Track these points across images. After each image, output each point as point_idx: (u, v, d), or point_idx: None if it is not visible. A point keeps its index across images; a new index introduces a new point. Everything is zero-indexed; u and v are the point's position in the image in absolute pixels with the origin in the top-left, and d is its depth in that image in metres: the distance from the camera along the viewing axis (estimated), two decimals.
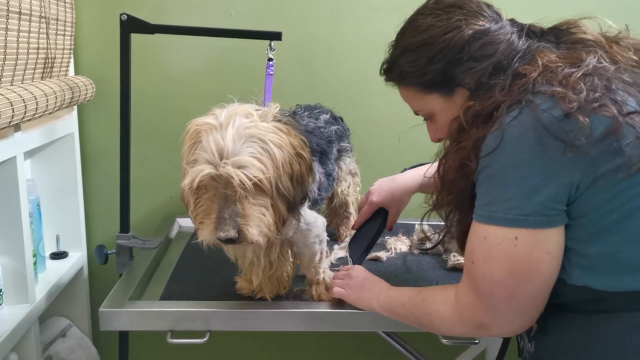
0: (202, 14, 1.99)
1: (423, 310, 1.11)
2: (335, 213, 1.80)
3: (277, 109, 1.19)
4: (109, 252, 1.71)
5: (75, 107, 1.92)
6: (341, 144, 1.66)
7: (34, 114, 1.41)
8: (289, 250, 1.36)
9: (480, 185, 0.98)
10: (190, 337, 1.31)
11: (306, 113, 1.58)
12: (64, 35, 1.74)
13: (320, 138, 1.44)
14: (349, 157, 1.73)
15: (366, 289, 1.27)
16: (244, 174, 1.06)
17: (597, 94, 0.91)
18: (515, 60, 1.03)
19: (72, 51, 1.83)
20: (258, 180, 1.08)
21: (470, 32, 1.04)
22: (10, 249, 1.49)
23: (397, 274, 1.55)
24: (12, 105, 1.27)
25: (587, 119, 0.88)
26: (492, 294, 0.97)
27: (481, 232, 0.98)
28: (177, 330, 1.30)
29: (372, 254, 1.68)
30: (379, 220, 1.53)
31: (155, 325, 1.30)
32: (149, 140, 2.04)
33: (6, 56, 1.35)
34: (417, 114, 1.21)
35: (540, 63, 0.99)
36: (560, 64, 0.98)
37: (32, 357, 1.56)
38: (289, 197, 1.15)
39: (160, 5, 1.97)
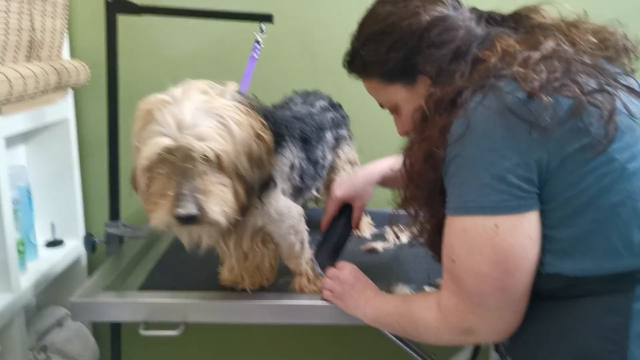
0: None
1: (408, 320, 1.06)
2: None
3: (236, 88, 1.13)
4: (97, 240, 1.66)
5: (71, 92, 1.88)
6: (339, 132, 1.59)
7: (8, 97, 1.36)
8: (269, 240, 1.28)
9: (451, 177, 0.94)
10: (165, 329, 1.25)
11: (301, 100, 1.52)
12: (54, 17, 1.69)
13: (307, 124, 1.37)
14: (348, 145, 1.65)
15: (353, 297, 1.20)
16: (207, 145, 1.00)
17: (557, 74, 0.90)
18: (473, 45, 1.01)
19: (63, 34, 1.78)
20: (218, 155, 1.01)
21: (428, 18, 1.03)
22: None
23: (390, 266, 1.47)
24: None
25: (550, 99, 0.87)
26: (481, 290, 0.92)
27: (458, 225, 0.93)
28: (151, 321, 1.25)
29: (369, 245, 1.60)
30: (343, 218, 1.43)
31: (128, 316, 1.26)
32: None
33: None
34: (382, 107, 1.18)
35: (499, 48, 0.98)
36: (518, 48, 0.97)
37: (17, 347, 1.53)
38: (247, 180, 1.08)
39: None
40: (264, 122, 1.12)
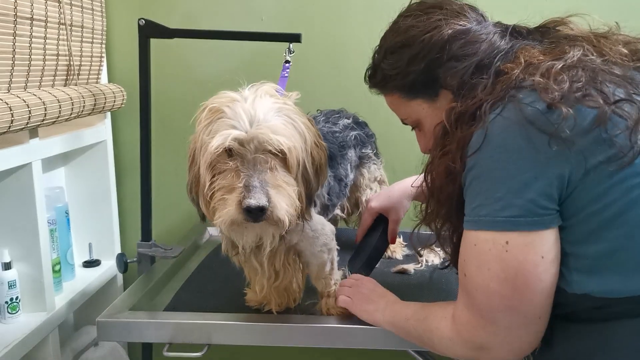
0: (234, 19, 1.96)
1: (425, 327, 1.04)
2: None
3: (297, 96, 1.14)
4: (129, 260, 1.68)
5: (109, 114, 1.92)
6: (363, 150, 1.57)
7: (43, 120, 1.39)
8: (297, 259, 1.27)
9: (467, 188, 0.92)
10: (190, 351, 1.24)
11: (323, 118, 1.52)
12: (92, 42, 1.74)
13: (332, 142, 1.36)
14: (374, 163, 1.63)
15: (373, 301, 1.19)
16: (280, 139, 1.00)
17: (579, 84, 0.87)
18: (497, 58, 1.00)
19: (102, 59, 1.83)
20: (288, 150, 1.00)
21: (450, 31, 1.02)
22: (26, 257, 1.48)
23: (421, 288, 1.43)
24: (11, 110, 1.25)
25: (570, 110, 0.84)
26: (490, 306, 0.89)
27: (471, 240, 0.91)
28: (175, 342, 1.24)
29: (400, 266, 1.56)
30: (379, 230, 1.41)
31: (152, 336, 1.24)
32: (184, 147, 2.01)
33: (15, 61, 1.34)
34: (404, 123, 1.17)
35: (522, 60, 0.96)
36: (542, 58, 0.95)
37: None
38: (308, 186, 1.07)
39: (193, 12, 1.95)
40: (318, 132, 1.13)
